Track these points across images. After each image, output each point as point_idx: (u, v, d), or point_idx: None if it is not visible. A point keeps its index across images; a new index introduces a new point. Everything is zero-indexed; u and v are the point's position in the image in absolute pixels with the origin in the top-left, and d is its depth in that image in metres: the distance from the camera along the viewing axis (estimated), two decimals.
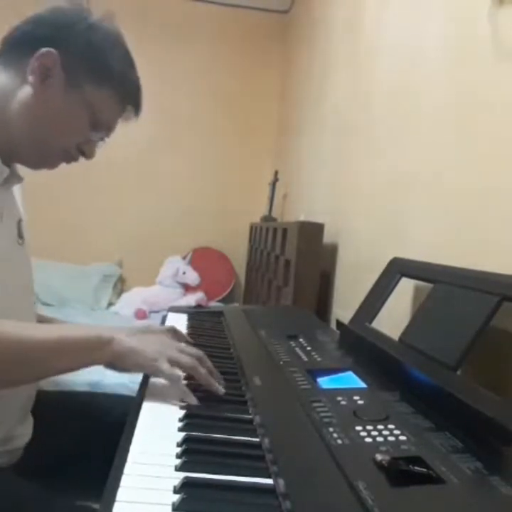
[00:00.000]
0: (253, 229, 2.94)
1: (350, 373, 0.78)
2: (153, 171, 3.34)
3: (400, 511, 0.43)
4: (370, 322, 0.97)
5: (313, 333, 1.06)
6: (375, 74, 1.58)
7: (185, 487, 0.48)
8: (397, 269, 1.00)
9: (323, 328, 1.14)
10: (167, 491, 0.48)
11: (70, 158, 0.87)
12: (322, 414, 0.62)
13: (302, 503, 0.44)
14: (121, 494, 0.47)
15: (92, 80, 0.81)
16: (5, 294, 0.77)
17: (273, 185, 2.87)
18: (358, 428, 0.58)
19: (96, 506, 0.69)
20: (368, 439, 0.55)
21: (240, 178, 3.41)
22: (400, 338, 0.84)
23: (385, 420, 0.60)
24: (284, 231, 1.88)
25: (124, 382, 1.58)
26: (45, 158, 0.86)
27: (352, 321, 1.02)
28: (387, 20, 1.52)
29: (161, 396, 0.73)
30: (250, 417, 0.67)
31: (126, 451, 0.55)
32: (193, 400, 0.70)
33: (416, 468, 0.49)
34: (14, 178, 0.85)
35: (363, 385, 0.73)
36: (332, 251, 1.75)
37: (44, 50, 0.77)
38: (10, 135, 0.79)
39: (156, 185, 3.35)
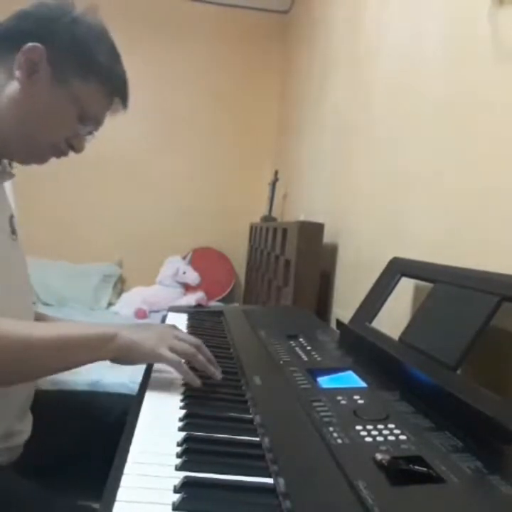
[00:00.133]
0: (253, 229, 2.94)
1: (350, 373, 0.78)
2: (154, 171, 3.34)
3: (400, 511, 0.43)
4: (370, 322, 0.97)
5: (313, 332, 1.06)
6: (375, 74, 1.58)
7: (185, 486, 0.48)
8: (397, 268, 1.00)
9: (323, 327, 1.14)
10: (167, 491, 0.48)
11: (60, 153, 0.87)
12: (322, 414, 0.62)
13: (302, 503, 0.44)
14: (121, 494, 0.47)
15: (78, 73, 0.82)
16: (2, 290, 0.78)
17: (273, 185, 2.87)
18: (358, 427, 0.58)
19: (96, 506, 0.69)
20: (368, 439, 0.55)
21: (240, 178, 3.41)
22: (400, 338, 0.84)
23: (385, 420, 0.60)
24: (284, 231, 1.88)
25: (124, 382, 1.58)
26: (34, 153, 0.86)
27: (352, 320, 1.03)
28: (387, 20, 1.52)
29: (161, 396, 0.73)
30: (250, 416, 0.67)
31: (126, 451, 0.55)
32: (197, 382, 0.73)
33: (416, 467, 0.49)
34: (5, 174, 0.85)
35: (363, 384, 0.73)
36: (332, 251, 1.75)
37: (30, 44, 0.78)
38: None
39: (156, 185, 3.35)
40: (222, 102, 3.37)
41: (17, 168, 0.89)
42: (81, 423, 0.98)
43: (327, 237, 1.66)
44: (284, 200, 2.87)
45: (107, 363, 0.78)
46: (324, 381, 0.75)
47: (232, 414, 0.68)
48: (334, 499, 0.45)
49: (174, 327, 0.91)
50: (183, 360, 0.76)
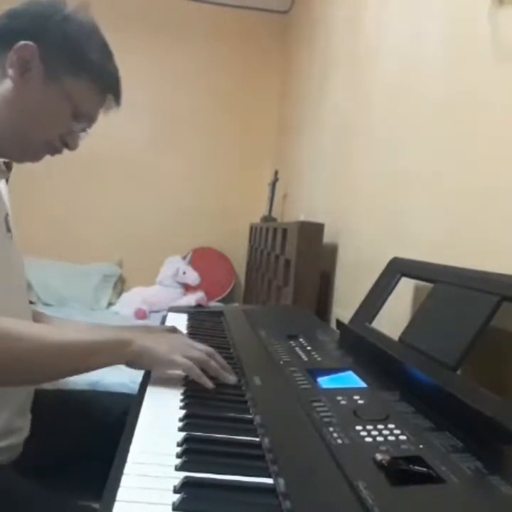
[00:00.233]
0: (253, 229, 2.94)
1: (350, 373, 0.78)
2: (154, 171, 3.34)
3: (400, 511, 0.43)
4: (370, 322, 0.97)
5: (313, 332, 1.06)
6: (375, 74, 1.58)
7: (185, 487, 0.48)
8: (397, 268, 1.00)
9: (323, 327, 1.14)
10: (167, 491, 0.48)
11: (54, 150, 0.88)
12: (322, 414, 0.62)
13: (302, 503, 0.44)
14: (121, 494, 0.47)
15: (70, 71, 0.82)
16: (0, 289, 0.78)
17: (273, 185, 2.87)
18: (358, 428, 0.58)
19: (96, 506, 0.69)
20: (368, 439, 0.55)
21: (240, 178, 3.41)
22: (400, 338, 0.84)
23: (385, 420, 0.60)
24: (284, 231, 1.88)
25: (124, 382, 1.57)
26: (28, 151, 0.86)
27: (352, 320, 1.03)
28: (387, 20, 1.52)
29: (161, 396, 0.73)
30: (250, 416, 0.67)
31: (126, 451, 0.55)
32: (209, 385, 0.74)
33: (416, 467, 0.49)
34: (0, 172, 0.85)
35: (363, 384, 0.73)
36: (332, 251, 1.75)
37: (22, 43, 0.78)
38: None
39: (156, 185, 3.35)
40: (222, 102, 3.37)
41: (16, 168, 0.89)
42: (81, 423, 0.98)
43: (327, 237, 1.66)
44: (284, 200, 2.87)
45: None
46: (324, 381, 0.75)
47: (232, 414, 0.68)
48: (334, 499, 0.45)
49: (174, 329, 0.93)
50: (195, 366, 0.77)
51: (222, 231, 3.39)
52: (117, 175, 3.30)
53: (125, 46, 3.02)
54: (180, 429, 0.62)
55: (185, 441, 0.58)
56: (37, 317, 0.98)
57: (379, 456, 0.50)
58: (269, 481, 0.51)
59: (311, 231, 1.65)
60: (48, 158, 0.90)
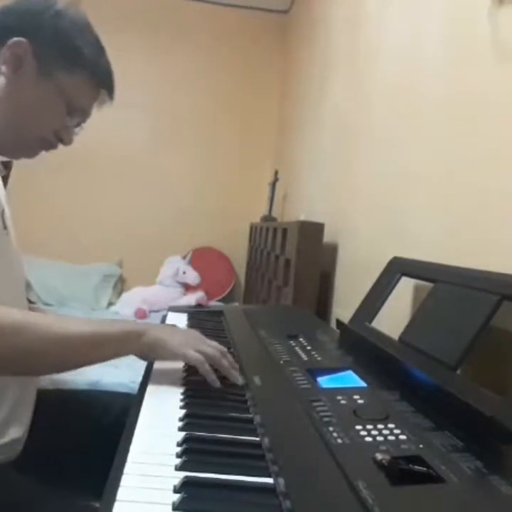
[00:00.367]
0: (253, 229, 2.94)
1: (350, 373, 0.78)
2: (154, 171, 3.34)
3: (400, 510, 0.43)
4: (370, 322, 0.97)
5: (313, 332, 1.06)
6: (375, 74, 1.58)
7: (185, 486, 0.48)
8: (397, 268, 1.00)
9: (323, 327, 1.14)
10: (167, 491, 0.48)
11: (49, 146, 0.88)
12: (322, 414, 0.62)
13: (302, 503, 0.44)
14: (121, 494, 0.47)
15: (63, 66, 0.83)
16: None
17: (273, 185, 2.87)
18: (358, 427, 0.58)
19: (96, 504, 0.69)
20: (368, 439, 0.55)
21: (240, 178, 3.41)
22: (400, 338, 0.84)
23: (385, 419, 0.60)
24: (284, 231, 1.88)
25: (124, 382, 1.57)
26: (23, 147, 0.87)
27: (352, 320, 1.03)
28: (387, 20, 1.52)
29: (161, 396, 0.73)
30: (250, 416, 0.67)
31: (126, 450, 0.55)
32: (217, 383, 0.75)
33: (416, 467, 0.49)
34: None
35: (363, 384, 0.73)
36: (332, 251, 1.75)
37: (14, 39, 0.79)
38: None
39: (156, 185, 3.35)
40: (222, 102, 3.38)
41: (17, 168, 0.89)
42: (81, 423, 0.98)
43: (327, 237, 1.66)
44: (284, 200, 2.87)
45: (107, 362, 0.79)
46: (324, 381, 0.75)
47: (232, 414, 0.68)
48: (334, 499, 0.45)
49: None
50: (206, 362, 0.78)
51: (222, 231, 3.39)
52: (117, 175, 3.30)
53: (125, 46, 3.05)
54: (180, 429, 0.62)
55: (185, 441, 0.58)
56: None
57: (379, 456, 0.50)
58: (269, 480, 0.51)
59: (311, 231, 1.65)
60: (47, 158, 0.90)
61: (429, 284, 0.88)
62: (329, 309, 1.76)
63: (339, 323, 1.04)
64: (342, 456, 0.51)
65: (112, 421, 0.93)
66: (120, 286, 3.27)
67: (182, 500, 0.46)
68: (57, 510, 0.75)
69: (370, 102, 1.60)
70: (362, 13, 1.76)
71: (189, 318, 1.25)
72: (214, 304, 3.00)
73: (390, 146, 1.39)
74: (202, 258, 3.27)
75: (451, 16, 1.11)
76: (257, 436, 0.61)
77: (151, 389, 0.75)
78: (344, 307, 1.62)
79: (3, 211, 0.87)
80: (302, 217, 2.05)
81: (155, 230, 3.31)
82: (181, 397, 0.73)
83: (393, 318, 1.01)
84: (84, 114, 0.89)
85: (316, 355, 0.88)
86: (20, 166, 0.90)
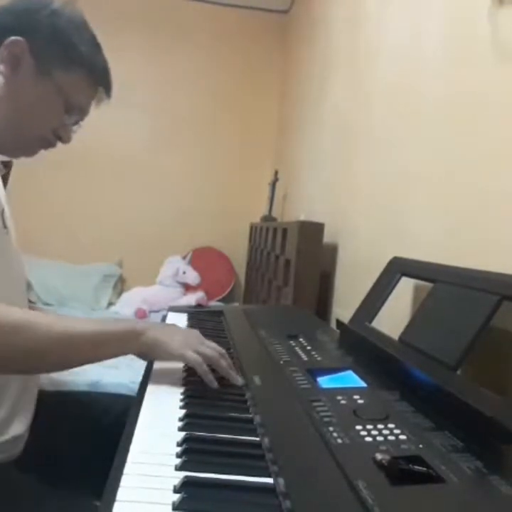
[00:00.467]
0: (253, 229, 2.94)
1: (350, 373, 0.78)
2: (154, 171, 3.34)
3: (400, 510, 0.43)
4: (370, 322, 0.97)
5: (313, 332, 1.06)
6: (375, 74, 1.58)
7: (185, 486, 0.48)
8: (397, 268, 1.00)
9: (323, 327, 1.14)
10: (167, 491, 0.48)
11: (48, 145, 0.89)
12: (322, 414, 0.62)
13: (302, 503, 0.44)
14: (121, 494, 0.47)
15: (61, 64, 0.83)
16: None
17: (273, 185, 2.87)
18: (358, 427, 0.58)
19: (97, 504, 0.69)
20: (368, 439, 0.55)
21: (240, 178, 3.41)
22: (400, 338, 0.84)
23: (385, 419, 0.60)
24: (284, 231, 1.88)
25: (124, 382, 1.57)
26: (22, 146, 0.87)
27: (352, 320, 1.03)
28: (387, 20, 1.52)
29: (161, 396, 0.73)
30: (250, 416, 0.67)
31: (126, 450, 0.55)
32: (214, 384, 0.75)
33: (416, 467, 0.49)
34: None
35: (363, 384, 0.73)
36: (332, 251, 1.75)
37: (12, 38, 0.80)
38: None
39: (156, 185, 3.35)
40: (222, 102, 3.37)
41: (17, 168, 0.89)
42: (81, 423, 0.98)
43: (327, 237, 1.66)
44: (284, 200, 2.87)
45: (107, 363, 0.79)
46: (324, 381, 0.75)
47: (232, 414, 0.68)
48: (334, 499, 0.45)
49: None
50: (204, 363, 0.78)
51: (222, 231, 3.39)
52: (117, 175, 3.30)
53: (125, 46, 3.05)
54: (180, 429, 0.62)
55: (185, 440, 0.58)
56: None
57: (379, 456, 0.50)
58: (269, 480, 0.51)
59: (311, 231, 1.65)
60: (46, 156, 0.90)
61: (429, 284, 0.88)
62: (329, 309, 1.76)
63: (339, 323, 1.04)
64: (342, 456, 0.51)
65: (112, 421, 0.93)
66: (120, 286, 3.27)
67: (182, 500, 0.46)
68: (58, 509, 0.75)
69: (370, 102, 1.60)
70: (362, 13, 1.76)
71: (189, 318, 1.25)
72: (214, 303, 3.00)
73: (390, 146, 1.39)
74: (202, 258, 3.27)
75: (451, 16, 1.11)
76: (257, 436, 0.61)
77: (151, 389, 0.75)
78: (344, 307, 1.62)
79: (3, 210, 0.88)
80: (302, 217, 2.05)
81: (155, 230, 3.31)
82: (181, 397, 0.73)
83: (393, 318, 1.01)
84: (82, 112, 0.89)
85: (316, 355, 0.88)
86: (19, 164, 0.90)
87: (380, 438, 0.55)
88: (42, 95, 0.83)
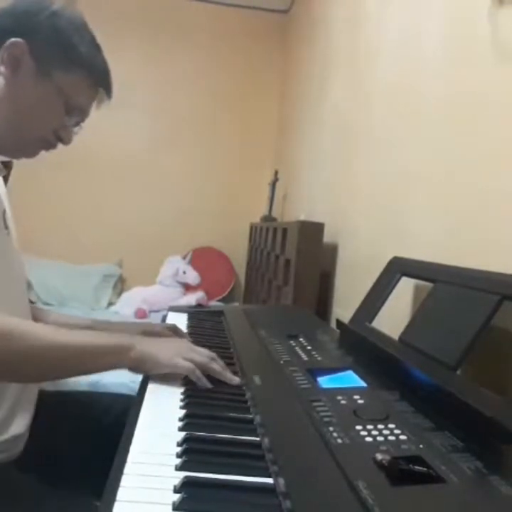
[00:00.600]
0: (253, 229, 2.94)
1: (350, 373, 0.78)
2: (154, 171, 3.34)
3: (400, 511, 0.43)
4: (370, 321, 0.97)
5: (314, 332, 1.06)
6: (375, 74, 1.58)
7: (185, 486, 0.48)
8: (398, 268, 1.00)
9: (323, 327, 1.14)
10: (167, 491, 0.48)
11: (48, 146, 0.89)
12: (322, 414, 0.62)
13: (302, 503, 0.44)
14: (121, 494, 0.47)
15: (61, 65, 0.83)
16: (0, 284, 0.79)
17: (273, 185, 2.87)
18: (358, 427, 0.58)
19: (97, 503, 0.69)
20: (368, 439, 0.55)
21: (240, 178, 3.41)
22: (400, 338, 0.84)
23: (385, 419, 0.60)
24: (284, 231, 1.88)
25: (124, 382, 1.57)
26: (23, 147, 0.87)
27: (352, 320, 1.03)
28: (387, 20, 1.52)
29: (161, 396, 0.73)
30: (250, 416, 0.67)
31: (126, 451, 0.55)
32: (207, 384, 0.75)
33: (416, 467, 0.49)
34: None
35: (363, 384, 0.73)
36: (332, 251, 1.75)
37: (12, 40, 0.80)
38: None
39: (157, 185, 3.35)
40: (222, 102, 3.37)
41: (17, 168, 0.89)
42: (81, 423, 0.98)
43: (327, 237, 1.66)
44: (284, 200, 2.87)
45: None
46: (324, 381, 0.75)
47: (232, 414, 0.68)
48: (334, 499, 0.45)
49: (175, 328, 0.94)
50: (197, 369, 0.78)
51: (222, 231, 3.39)
52: (117, 175, 3.30)
53: (125, 46, 3.05)
54: (181, 429, 0.62)
55: (186, 441, 0.58)
56: (35, 313, 0.98)
57: (379, 456, 0.50)
58: (269, 480, 0.51)
59: (311, 231, 1.65)
60: (48, 158, 0.90)
61: (429, 284, 0.88)
62: (329, 309, 1.76)
63: (339, 323, 1.04)
64: (342, 456, 0.51)
65: (112, 421, 0.93)
66: (120, 286, 3.27)
67: (182, 501, 0.46)
68: (58, 509, 0.75)
69: (370, 102, 1.60)
70: (362, 13, 1.76)
71: (189, 318, 1.25)
72: (214, 303, 3.00)
73: (390, 146, 1.39)
74: (202, 258, 3.27)
75: (451, 16, 1.11)
76: (257, 436, 0.61)
77: (151, 389, 0.75)
78: (344, 307, 1.62)
79: (4, 211, 0.88)
80: (302, 217, 2.05)
81: (155, 230, 3.31)
82: (181, 397, 0.73)
83: (393, 318, 1.01)
84: (82, 114, 0.89)
85: (316, 355, 0.88)
86: (19, 164, 0.90)
87: (380, 438, 0.55)
88: (42, 97, 0.83)
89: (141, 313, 2.78)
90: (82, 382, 1.55)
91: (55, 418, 0.96)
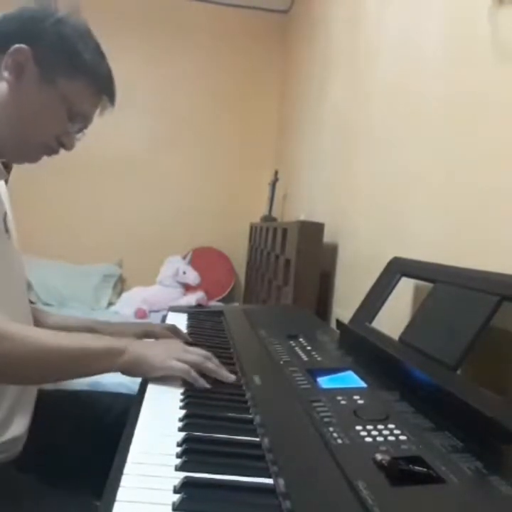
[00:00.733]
0: (253, 229, 2.94)
1: (350, 373, 0.78)
2: (154, 170, 3.34)
3: (400, 511, 0.43)
4: (370, 322, 0.97)
5: (314, 332, 1.06)
6: (375, 74, 1.58)
7: (185, 487, 0.48)
8: (397, 268, 1.00)
9: (323, 327, 1.14)
10: (167, 491, 0.48)
11: (51, 151, 0.89)
12: (322, 414, 0.62)
13: (302, 503, 0.44)
14: (121, 494, 0.47)
15: (65, 72, 0.83)
16: (0, 287, 0.79)
17: (273, 185, 2.87)
18: (358, 428, 0.58)
19: (97, 503, 0.69)
20: (368, 439, 0.55)
21: (240, 178, 3.41)
22: (400, 338, 0.84)
23: (385, 420, 0.60)
24: (284, 231, 1.88)
25: (124, 382, 1.57)
26: (26, 153, 0.87)
27: (352, 320, 1.03)
28: (387, 20, 1.52)
29: (161, 396, 0.73)
30: (250, 416, 0.67)
31: (126, 451, 0.55)
32: (205, 384, 0.75)
33: (416, 467, 0.49)
34: None
35: (363, 384, 0.73)
36: (332, 251, 1.75)
37: (16, 46, 0.80)
38: None
39: (157, 185, 3.35)
40: (222, 102, 3.37)
41: (17, 168, 0.89)
42: (81, 423, 0.98)
43: (327, 237, 1.66)
44: (284, 200, 2.87)
45: None
46: (324, 381, 0.75)
47: (232, 414, 0.68)
48: (334, 499, 0.45)
49: (175, 328, 0.93)
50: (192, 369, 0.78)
51: (222, 231, 3.39)
52: (117, 175, 3.30)
53: (126, 46, 3.05)
54: (180, 429, 0.62)
55: (185, 441, 0.58)
56: (36, 314, 0.98)
57: (379, 456, 0.50)
58: (269, 481, 0.51)
59: (311, 231, 1.65)
60: (48, 158, 0.90)
61: (429, 284, 0.88)
62: (329, 309, 1.76)
63: (339, 323, 1.04)
64: (342, 456, 0.51)
65: (112, 421, 0.93)
66: (120, 286, 3.27)
67: (182, 501, 0.46)
68: (58, 509, 0.75)
69: (370, 102, 1.60)
70: (362, 13, 1.76)
71: (189, 318, 1.25)
72: (214, 303, 3.00)
73: (390, 146, 1.39)
74: (202, 258, 3.27)
75: (451, 16, 1.11)
76: (256, 436, 0.61)
77: (151, 389, 0.75)
78: (344, 307, 1.62)
79: (5, 214, 0.88)
80: (302, 217, 2.05)
81: (155, 230, 3.31)
82: (181, 397, 0.73)
83: (393, 318, 1.01)
84: (85, 120, 0.89)
85: (316, 356, 0.88)
86: (19, 165, 0.90)
87: (380, 438, 0.55)
88: (45, 103, 0.83)
89: (141, 314, 2.78)
90: (82, 381, 1.55)
91: (54, 418, 0.96)
